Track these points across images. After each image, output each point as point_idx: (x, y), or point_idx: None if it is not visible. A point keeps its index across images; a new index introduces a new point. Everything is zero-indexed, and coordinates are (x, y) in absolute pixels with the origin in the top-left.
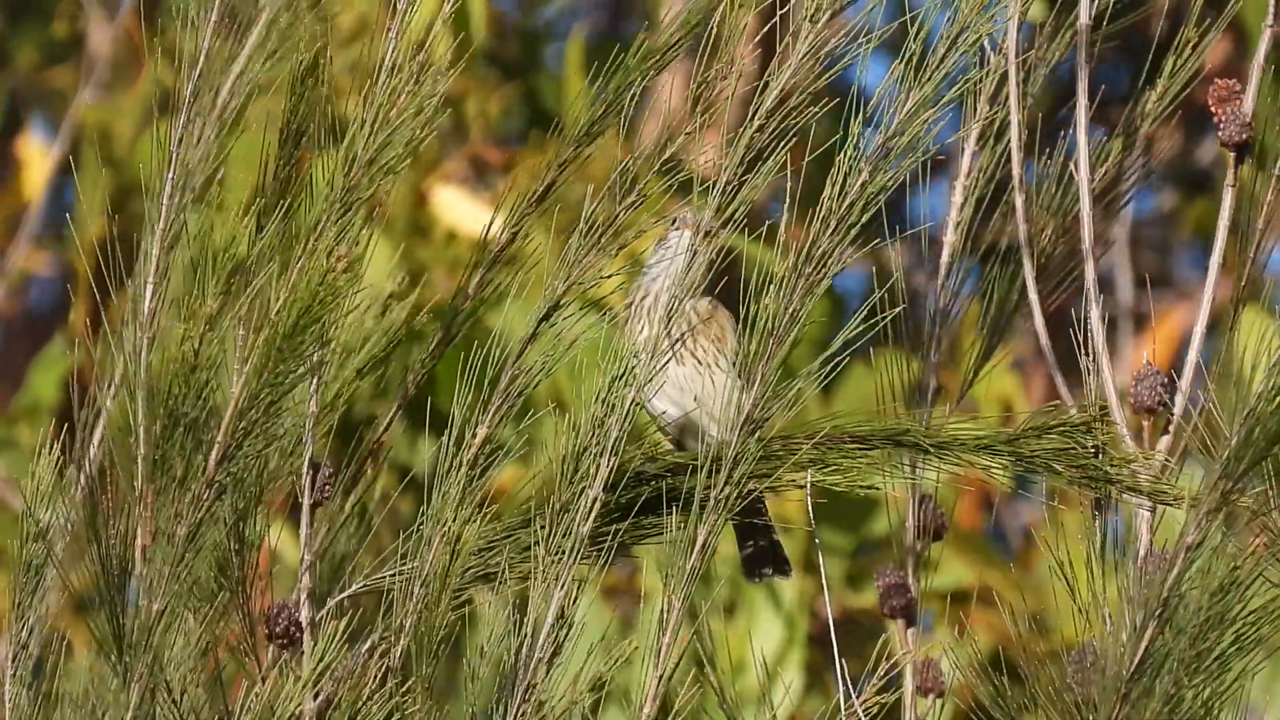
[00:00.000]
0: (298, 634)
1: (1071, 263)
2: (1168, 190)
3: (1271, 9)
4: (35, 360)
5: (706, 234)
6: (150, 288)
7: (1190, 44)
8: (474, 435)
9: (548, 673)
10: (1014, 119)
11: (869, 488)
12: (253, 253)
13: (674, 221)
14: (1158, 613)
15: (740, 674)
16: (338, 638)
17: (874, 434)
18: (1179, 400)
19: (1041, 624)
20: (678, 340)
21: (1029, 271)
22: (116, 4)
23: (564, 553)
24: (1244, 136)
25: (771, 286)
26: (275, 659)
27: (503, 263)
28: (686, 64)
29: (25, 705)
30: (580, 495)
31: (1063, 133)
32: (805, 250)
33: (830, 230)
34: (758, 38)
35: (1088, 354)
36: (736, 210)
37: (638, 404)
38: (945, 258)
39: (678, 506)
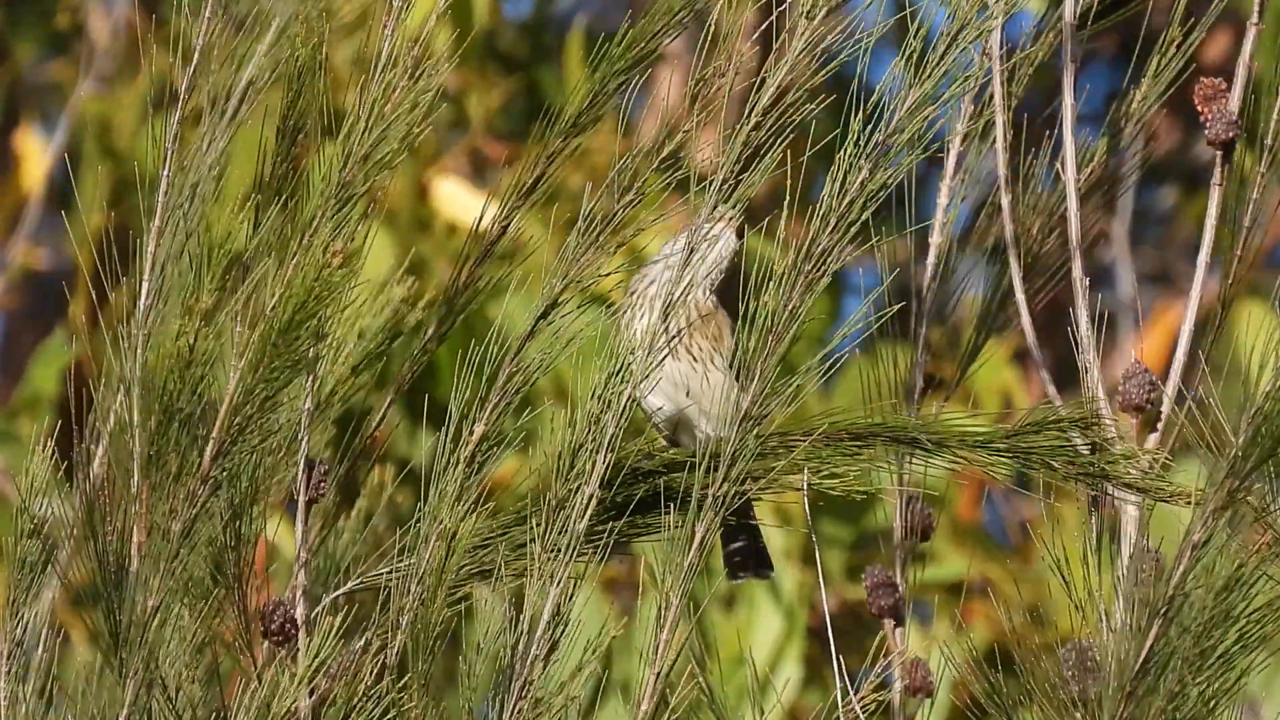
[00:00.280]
0: (293, 631)
1: (1063, 257)
2: (1168, 186)
3: (1256, 6)
4: (35, 353)
5: (740, 235)
6: (146, 285)
7: (1174, 43)
8: (471, 433)
9: (544, 669)
10: (999, 119)
11: (863, 492)
12: (249, 247)
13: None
14: (1163, 611)
15: (740, 667)
16: (333, 634)
17: (873, 432)
18: (1166, 398)
19: (1039, 617)
20: (675, 336)
21: (1015, 271)
22: None
23: (559, 550)
24: (1230, 135)
25: (771, 283)
26: (271, 656)
27: (496, 256)
28: (686, 61)
29: (21, 702)
30: (576, 492)
31: (1049, 132)
32: (805, 247)
33: (830, 228)
34: (755, 35)
35: (1081, 351)
36: (735, 207)
37: (634, 400)
38: (932, 259)
39: (675, 504)
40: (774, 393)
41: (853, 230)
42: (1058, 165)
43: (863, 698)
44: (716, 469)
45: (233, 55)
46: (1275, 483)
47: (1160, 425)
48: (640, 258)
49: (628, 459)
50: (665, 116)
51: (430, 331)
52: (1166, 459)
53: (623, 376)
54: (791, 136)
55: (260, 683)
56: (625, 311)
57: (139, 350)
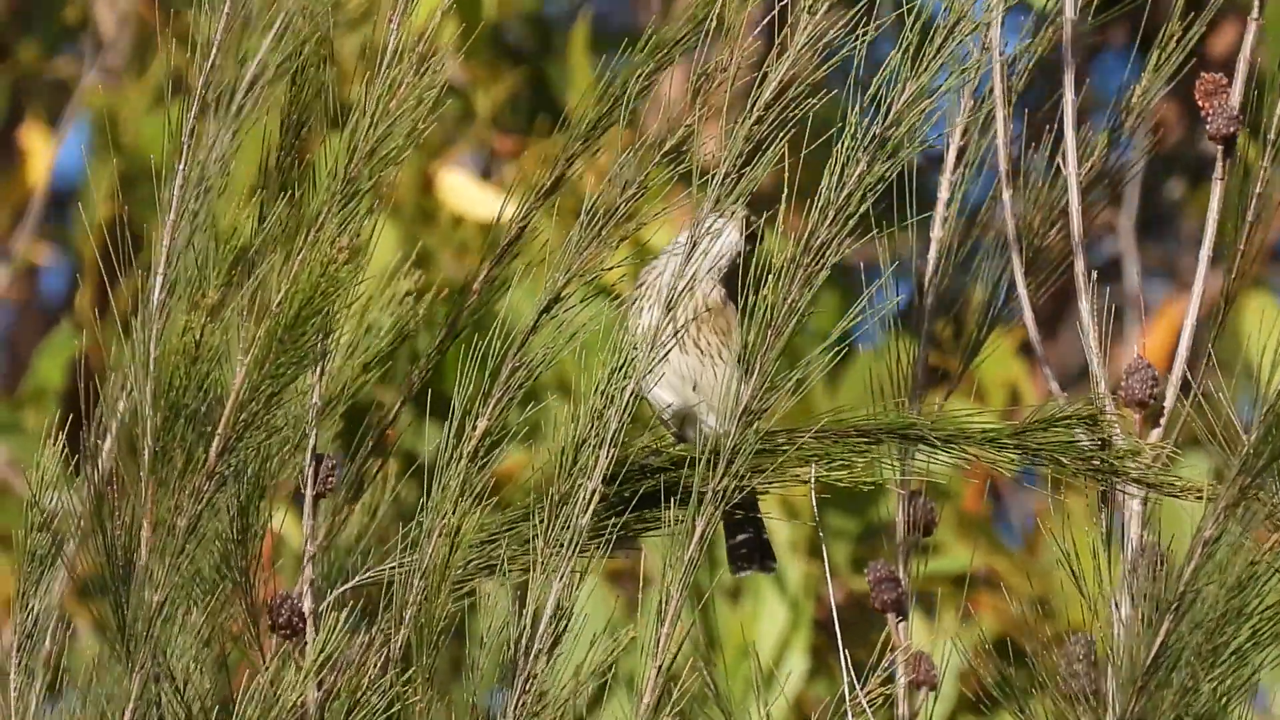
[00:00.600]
0: (300, 624)
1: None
2: (1175, 179)
3: (1257, 2)
4: (41, 345)
5: (752, 235)
6: (160, 278)
7: (1174, 37)
8: (474, 428)
9: (548, 663)
10: (999, 114)
11: (871, 483)
12: (255, 242)
13: (721, 208)
14: (1174, 607)
15: (745, 659)
16: (339, 628)
17: (879, 428)
18: (1169, 392)
19: (1047, 609)
20: (682, 327)
21: (1017, 266)
22: None
23: (563, 545)
24: (1231, 130)
25: (770, 277)
26: (278, 649)
27: (510, 256)
28: (687, 56)
29: (30, 694)
30: (578, 487)
31: (1049, 127)
32: (804, 240)
33: (829, 220)
34: (757, 30)
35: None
36: (737, 201)
37: (637, 396)
38: (933, 253)
39: (675, 499)
40: (774, 386)
41: (851, 223)
42: (1058, 159)
43: (869, 692)
44: (717, 465)
45: (238, 49)
46: None
47: (1163, 420)
48: (644, 251)
49: (631, 455)
50: (667, 111)
51: (443, 332)
52: (1175, 452)
53: (626, 371)
54: (792, 130)
55: (267, 675)
56: (634, 302)
57: (151, 345)
